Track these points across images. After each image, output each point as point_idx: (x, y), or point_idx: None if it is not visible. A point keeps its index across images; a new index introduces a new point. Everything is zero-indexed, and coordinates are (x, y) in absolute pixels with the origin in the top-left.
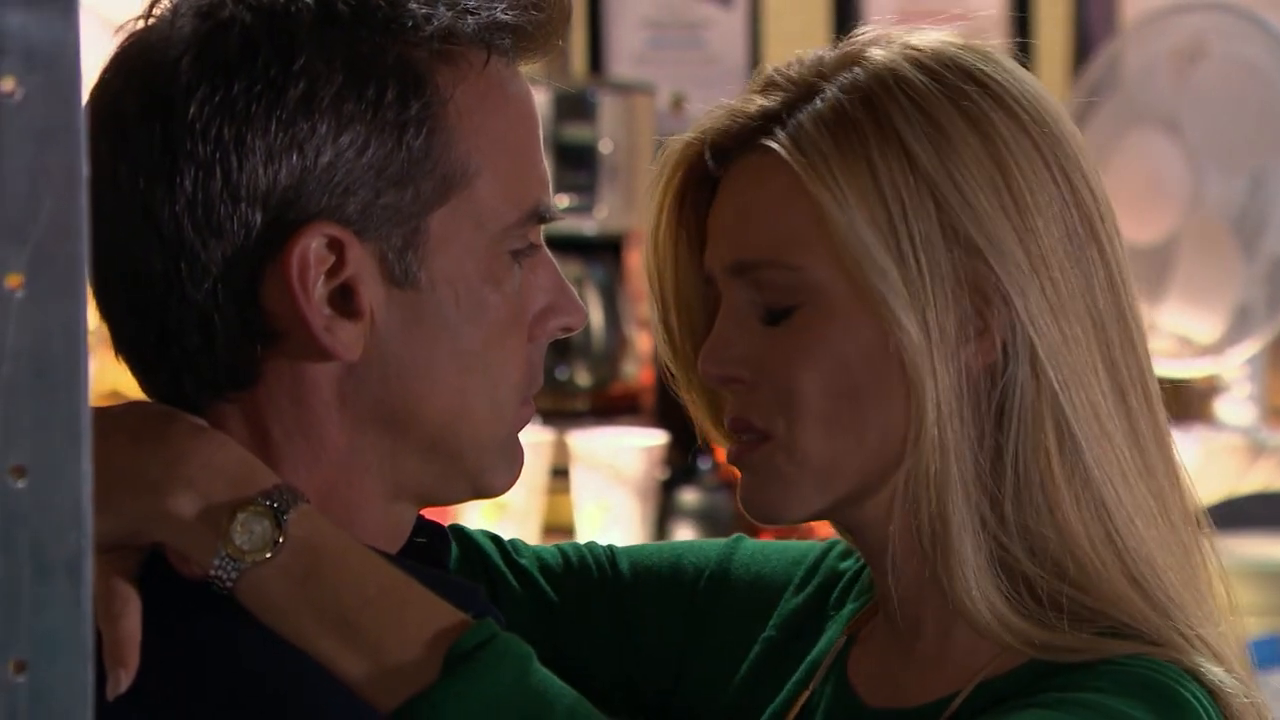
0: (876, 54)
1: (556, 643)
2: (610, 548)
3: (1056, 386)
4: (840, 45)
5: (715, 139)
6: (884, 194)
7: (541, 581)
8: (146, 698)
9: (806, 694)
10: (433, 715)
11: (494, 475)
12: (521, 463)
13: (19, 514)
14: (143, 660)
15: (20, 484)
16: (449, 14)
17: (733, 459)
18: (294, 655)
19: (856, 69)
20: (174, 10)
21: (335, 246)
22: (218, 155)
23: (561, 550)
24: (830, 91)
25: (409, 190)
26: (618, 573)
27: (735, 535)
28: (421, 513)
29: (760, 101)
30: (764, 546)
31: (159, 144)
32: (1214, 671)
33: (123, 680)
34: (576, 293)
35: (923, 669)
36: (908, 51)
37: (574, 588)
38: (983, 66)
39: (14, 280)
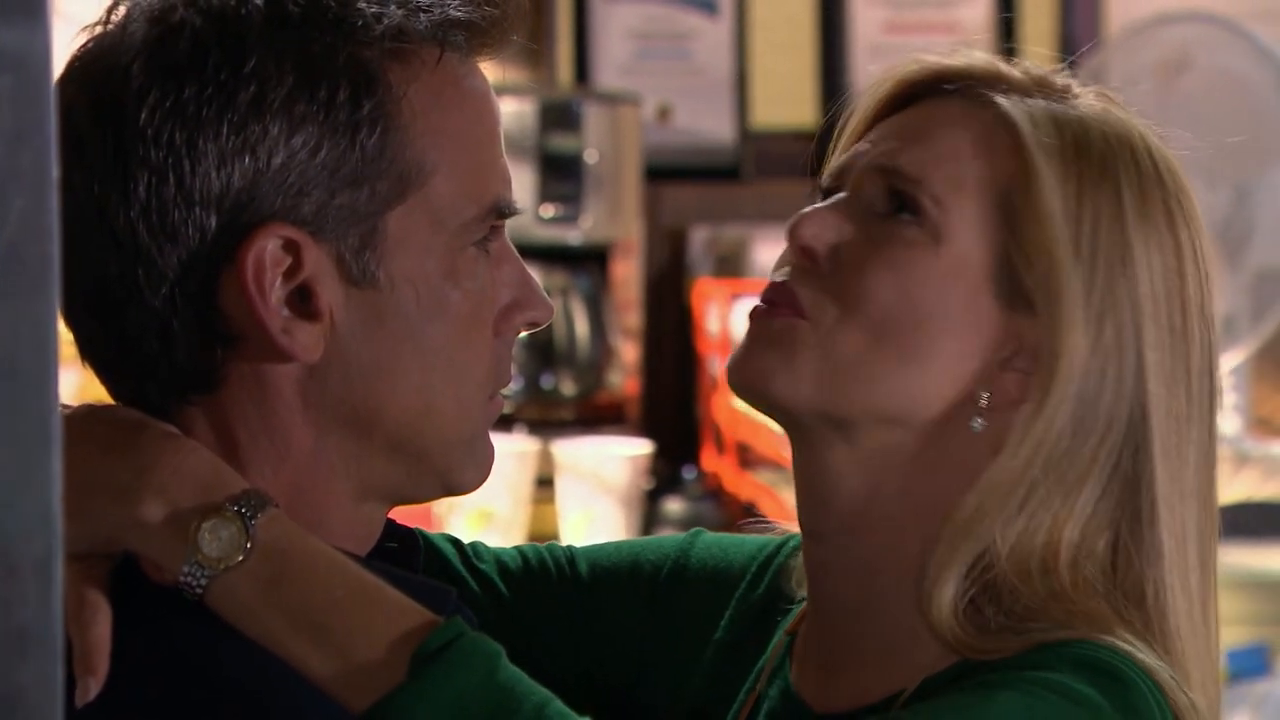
0: (1118, 114)
1: (516, 644)
2: (570, 548)
3: (1157, 456)
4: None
5: (948, 73)
6: (1082, 210)
7: (500, 584)
8: (120, 705)
9: (754, 697)
10: (400, 716)
11: (462, 473)
12: (491, 460)
13: None
14: (116, 667)
15: None
16: (400, 12)
17: (753, 318)
18: (269, 660)
19: (1101, 109)
20: (126, 16)
21: (291, 248)
22: (170, 160)
23: (521, 552)
24: (1080, 106)
25: (364, 190)
26: (576, 573)
27: (694, 529)
28: (400, 519)
29: (1007, 70)
30: (720, 540)
31: (111, 150)
32: (1148, 660)
33: (91, 688)
34: (544, 290)
35: (870, 668)
36: (1144, 131)
37: (533, 589)
38: (1184, 185)
39: None
